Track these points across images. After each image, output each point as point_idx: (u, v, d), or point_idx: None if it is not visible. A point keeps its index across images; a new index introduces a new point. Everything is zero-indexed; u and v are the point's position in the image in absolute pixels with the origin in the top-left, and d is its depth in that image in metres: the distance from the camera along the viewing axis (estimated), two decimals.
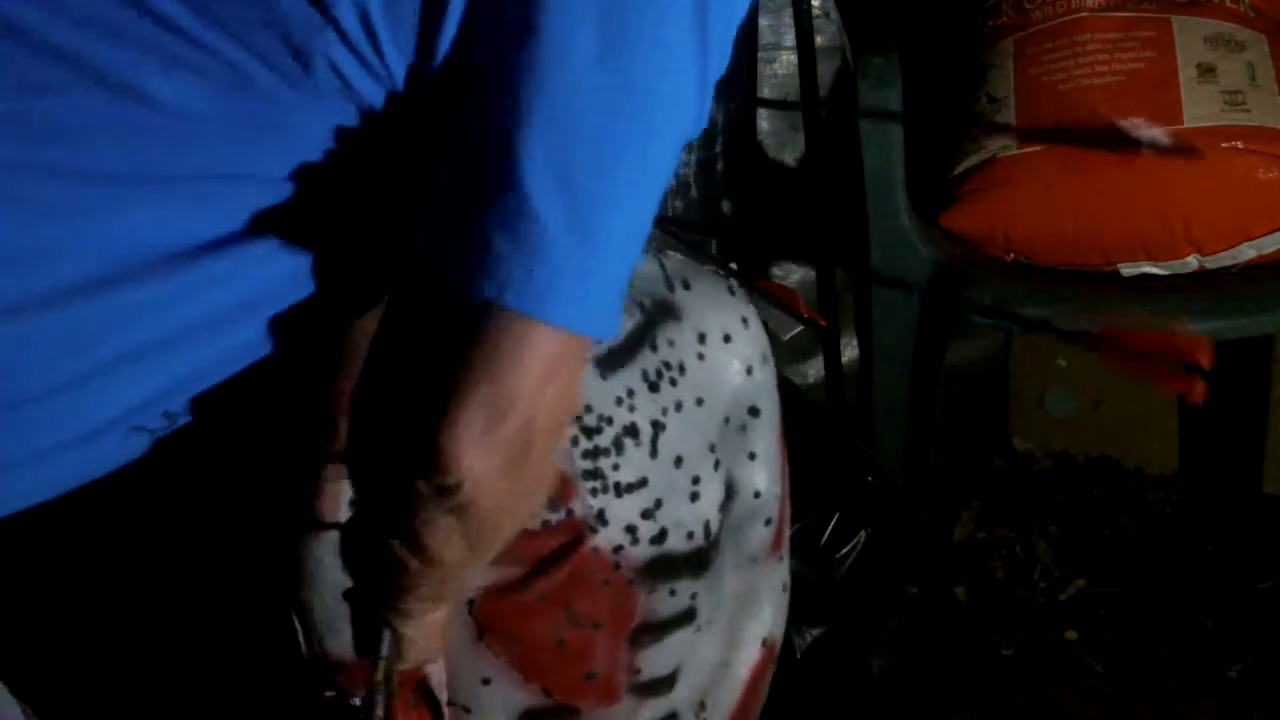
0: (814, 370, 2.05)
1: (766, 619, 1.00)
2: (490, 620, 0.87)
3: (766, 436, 0.96)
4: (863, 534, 1.26)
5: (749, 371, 0.93)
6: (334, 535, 0.82)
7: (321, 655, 0.85)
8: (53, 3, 0.73)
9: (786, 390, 1.00)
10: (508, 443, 0.73)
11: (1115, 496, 2.02)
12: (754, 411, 0.94)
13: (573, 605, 0.87)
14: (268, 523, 0.84)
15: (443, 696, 0.87)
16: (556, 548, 0.86)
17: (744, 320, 0.94)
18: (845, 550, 1.25)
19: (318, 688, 0.86)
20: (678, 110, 0.74)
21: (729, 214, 2.08)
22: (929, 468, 1.75)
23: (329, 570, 0.82)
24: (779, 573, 1.01)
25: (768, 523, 0.98)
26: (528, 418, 0.74)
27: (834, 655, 1.25)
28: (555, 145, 0.70)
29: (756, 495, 0.96)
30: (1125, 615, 1.80)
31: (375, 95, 0.74)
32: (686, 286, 0.92)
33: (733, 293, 0.94)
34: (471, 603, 0.86)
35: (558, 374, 0.74)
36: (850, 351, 1.97)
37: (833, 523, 1.25)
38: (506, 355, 0.72)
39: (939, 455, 1.89)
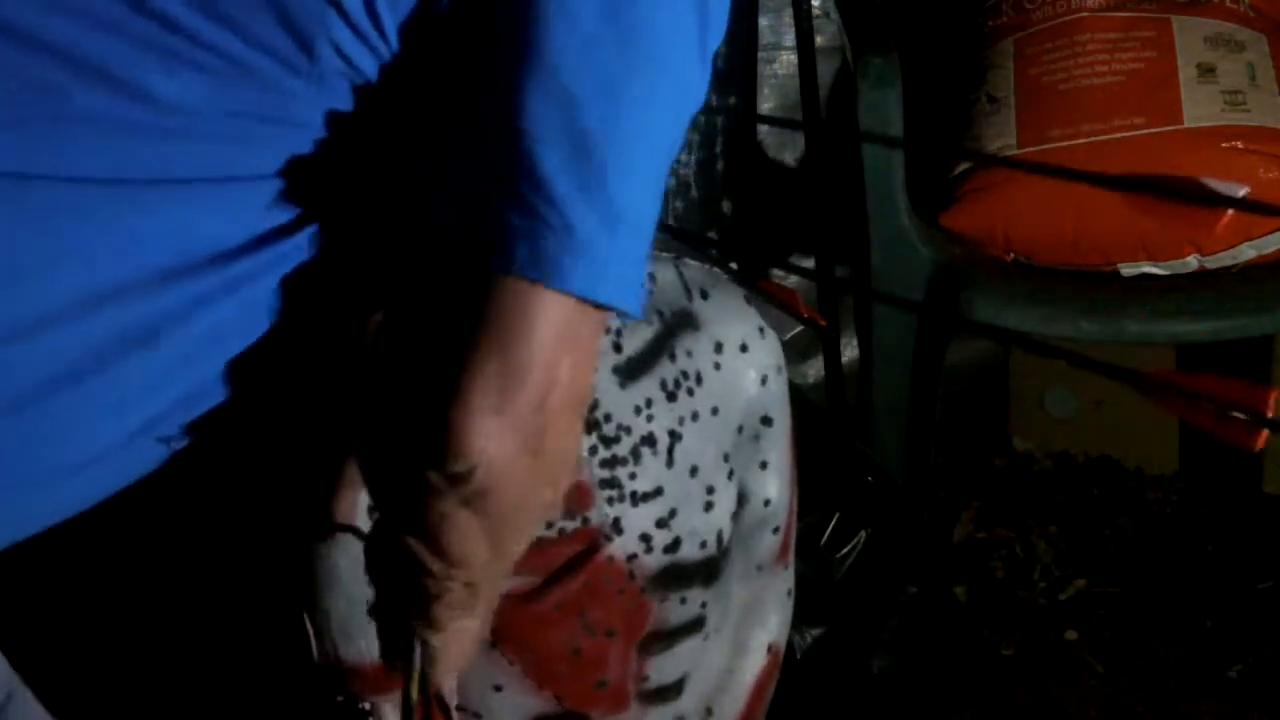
0: (814, 370, 2.05)
1: (772, 626, 1.00)
2: (505, 629, 0.86)
3: (779, 446, 0.96)
4: (863, 534, 1.26)
5: (764, 381, 0.93)
6: (350, 538, 0.80)
7: (335, 661, 0.84)
8: (51, 2, 0.72)
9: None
10: (521, 422, 0.70)
11: (1115, 496, 2.01)
12: (767, 421, 0.94)
13: (588, 614, 0.87)
14: (283, 523, 0.83)
15: (452, 701, 0.87)
16: (572, 556, 0.86)
17: (760, 330, 0.93)
18: (845, 550, 1.25)
19: (328, 693, 0.85)
20: (683, 78, 0.72)
21: (729, 214, 2.08)
22: (929, 468, 1.75)
23: (344, 574, 0.81)
24: (785, 580, 1.00)
25: (776, 531, 0.97)
26: (541, 395, 0.70)
27: (834, 655, 1.25)
28: (562, 113, 0.69)
29: (767, 504, 0.96)
30: (1125, 615, 1.79)
31: (378, 75, 0.73)
32: (705, 296, 0.92)
33: (749, 302, 0.94)
34: None
35: (571, 346, 0.71)
36: (850, 351, 1.97)
37: (833, 523, 1.25)
38: (516, 326, 0.69)
39: (939, 455, 1.89)
